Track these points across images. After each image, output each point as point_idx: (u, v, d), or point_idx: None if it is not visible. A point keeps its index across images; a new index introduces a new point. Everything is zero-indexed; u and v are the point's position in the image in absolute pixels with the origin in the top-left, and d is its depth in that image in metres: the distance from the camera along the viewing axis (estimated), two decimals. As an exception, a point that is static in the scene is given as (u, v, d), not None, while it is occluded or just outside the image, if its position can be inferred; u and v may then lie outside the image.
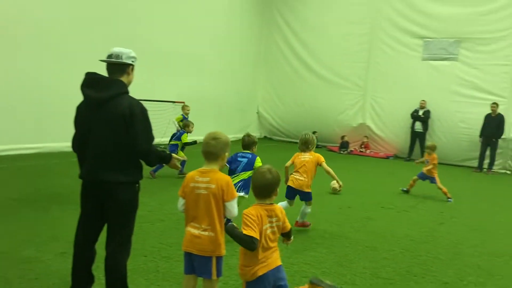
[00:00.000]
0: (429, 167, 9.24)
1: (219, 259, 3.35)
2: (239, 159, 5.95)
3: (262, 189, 3.12)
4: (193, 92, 15.04)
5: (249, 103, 19.17)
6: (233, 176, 5.80)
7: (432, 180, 9.28)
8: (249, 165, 5.85)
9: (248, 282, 3.08)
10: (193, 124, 10.25)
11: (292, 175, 6.20)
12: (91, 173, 3.56)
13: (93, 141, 3.54)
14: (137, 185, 3.68)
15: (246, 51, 18.43)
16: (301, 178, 6.09)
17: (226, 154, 3.45)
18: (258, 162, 5.90)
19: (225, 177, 3.35)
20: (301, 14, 18.18)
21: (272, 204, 3.16)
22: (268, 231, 3.09)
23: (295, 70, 18.46)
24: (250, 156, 5.97)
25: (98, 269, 4.09)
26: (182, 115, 12.10)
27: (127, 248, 3.69)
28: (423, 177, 9.40)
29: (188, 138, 9.95)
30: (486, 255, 5.81)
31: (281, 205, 5.54)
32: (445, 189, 9.17)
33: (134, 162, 3.62)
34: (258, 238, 2.99)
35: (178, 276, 4.31)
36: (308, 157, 6.15)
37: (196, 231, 3.31)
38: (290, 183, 6.17)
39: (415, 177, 9.52)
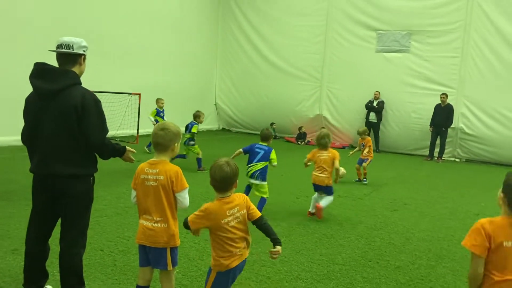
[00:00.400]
0: (366, 150, 9.82)
1: (173, 249, 3.35)
2: (256, 150, 6.70)
3: (222, 182, 3.11)
4: (149, 84, 14.78)
5: (206, 95, 19.03)
6: (250, 165, 6.61)
7: (365, 161, 9.81)
8: (265, 157, 6.61)
9: (219, 272, 3.10)
10: (203, 114, 10.12)
11: (313, 173, 6.77)
12: (43, 166, 3.46)
13: (44, 134, 3.44)
14: (92, 178, 3.61)
15: (202, 41, 18.26)
16: (322, 175, 6.66)
17: (176, 145, 3.42)
18: (274, 155, 6.66)
19: (174, 168, 3.32)
20: (257, 4, 18.16)
21: (230, 195, 3.16)
22: (233, 223, 3.09)
23: (252, 61, 18.47)
24: (267, 148, 6.69)
25: (52, 265, 4.00)
26: (156, 109, 12.03)
27: (82, 243, 3.62)
28: (362, 162, 9.90)
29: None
30: (436, 240, 6.07)
31: (314, 197, 6.80)
32: (366, 171, 9.73)
33: (88, 155, 3.54)
34: (193, 228, 3.11)
35: (135, 269, 4.27)
36: (326, 155, 6.70)
37: (148, 224, 3.30)
38: (313, 181, 6.76)
39: (357, 165, 9.97)
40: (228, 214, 3.08)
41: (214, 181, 3.13)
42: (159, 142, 3.34)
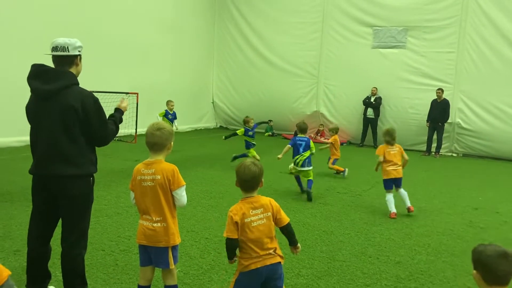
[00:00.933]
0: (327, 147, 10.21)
1: (174, 248, 3.39)
2: (299, 142, 7.89)
3: (249, 181, 3.16)
4: (146, 83, 14.76)
5: (204, 93, 19.02)
6: (298, 156, 7.80)
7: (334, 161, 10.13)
8: (307, 146, 7.84)
9: (241, 272, 3.13)
10: (253, 119, 10.52)
11: (388, 169, 6.99)
12: (42, 166, 3.47)
13: (43, 134, 3.46)
14: (91, 178, 3.62)
15: (199, 40, 18.23)
16: (399, 168, 7.03)
17: (172, 143, 3.47)
18: (312, 143, 7.93)
19: (170, 166, 3.35)
20: (253, 2, 18.11)
21: (255, 196, 3.19)
22: (255, 224, 3.09)
23: (249, 59, 18.45)
24: (306, 139, 7.93)
25: (55, 265, 4.02)
26: (165, 110, 12.14)
27: (83, 243, 3.64)
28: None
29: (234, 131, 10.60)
30: (435, 234, 6.11)
31: (387, 198, 7.00)
32: (336, 167, 9.98)
33: (87, 155, 3.56)
34: (235, 236, 3.07)
35: (137, 268, 4.28)
36: (396, 149, 7.10)
37: (149, 224, 3.32)
38: (389, 176, 7.00)
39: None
40: (251, 213, 3.11)
41: (242, 180, 3.17)
42: (157, 141, 3.37)
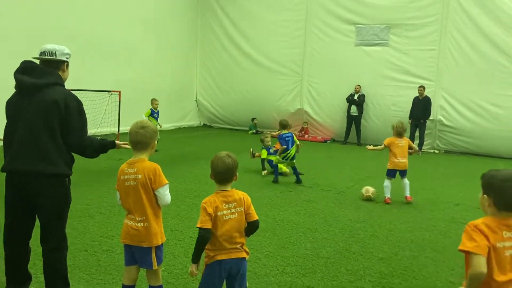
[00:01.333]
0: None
1: (158, 248, 3.35)
2: (286, 138, 8.55)
3: (223, 174, 3.13)
4: (129, 81, 14.62)
5: (187, 91, 18.91)
6: (288, 152, 8.48)
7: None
8: (293, 141, 8.63)
9: (207, 264, 3.12)
10: (268, 137, 9.91)
11: (395, 160, 7.51)
12: (17, 162, 3.38)
13: (22, 129, 3.38)
14: (67, 179, 3.54)
15: (182, 37, 18.11)
16: (403, 160, 7.53)
17: (156, 142, 3.45)
18: (295, 137, 8.80)
19: (152, 165, 3.31)
20: (237, 0, 18.09)
21: (230, 190, 3.17)
22: (227, 218, 3.08)
23: (232, 57, 18.40)
24: (290, 134, 8.71)
25: (36, 266, 3.95)
26: (150, 109, 11.93)
27: (65, 243, 3.58)
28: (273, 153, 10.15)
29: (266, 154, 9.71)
30: (418, 230, 6.17)
31: (386, 186, 7.56)
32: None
33: (65, 155, 3.48)
34: (209, 226, 3.02)
35: (120, 268, 4.25)
36: (404, 142, 7.59)
37: (132, 223, 3.30)
38: (395, 167, 7.52)
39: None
40: (224, 207, 3.09)
41: (216, 172, 3.14)
42: (140, 140, 3.33)
